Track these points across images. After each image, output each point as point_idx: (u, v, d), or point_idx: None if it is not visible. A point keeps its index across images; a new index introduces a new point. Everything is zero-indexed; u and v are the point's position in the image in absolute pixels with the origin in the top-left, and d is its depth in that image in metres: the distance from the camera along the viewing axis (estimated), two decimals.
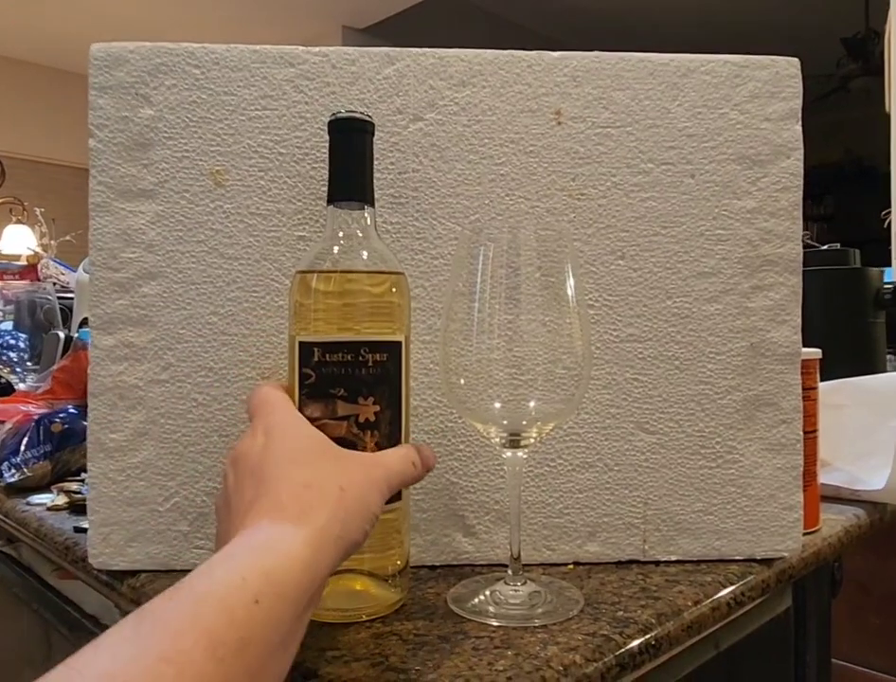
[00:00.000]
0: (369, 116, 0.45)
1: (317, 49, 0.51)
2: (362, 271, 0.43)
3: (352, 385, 0.41)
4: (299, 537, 0.32)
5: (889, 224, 2.29)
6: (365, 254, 0.44)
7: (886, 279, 1.03)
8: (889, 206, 2.31)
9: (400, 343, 0.43)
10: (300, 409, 0.41)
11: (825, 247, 1.33)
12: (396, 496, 0.42)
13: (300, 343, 0.42)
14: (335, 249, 0.44)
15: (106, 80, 0.50)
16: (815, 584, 0.66)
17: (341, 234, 0.44)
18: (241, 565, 0.30)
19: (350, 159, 0.44)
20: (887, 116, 2.33)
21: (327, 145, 0.45)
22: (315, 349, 0.41)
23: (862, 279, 1.00)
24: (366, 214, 0.44)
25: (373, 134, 0.45)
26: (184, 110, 0.51)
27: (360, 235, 0.44)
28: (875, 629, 0.98)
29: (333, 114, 0.44)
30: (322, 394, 0.41)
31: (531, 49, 0.52)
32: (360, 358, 0.41)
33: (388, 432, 0.42)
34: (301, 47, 0.51)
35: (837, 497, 0.70)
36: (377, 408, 0.41)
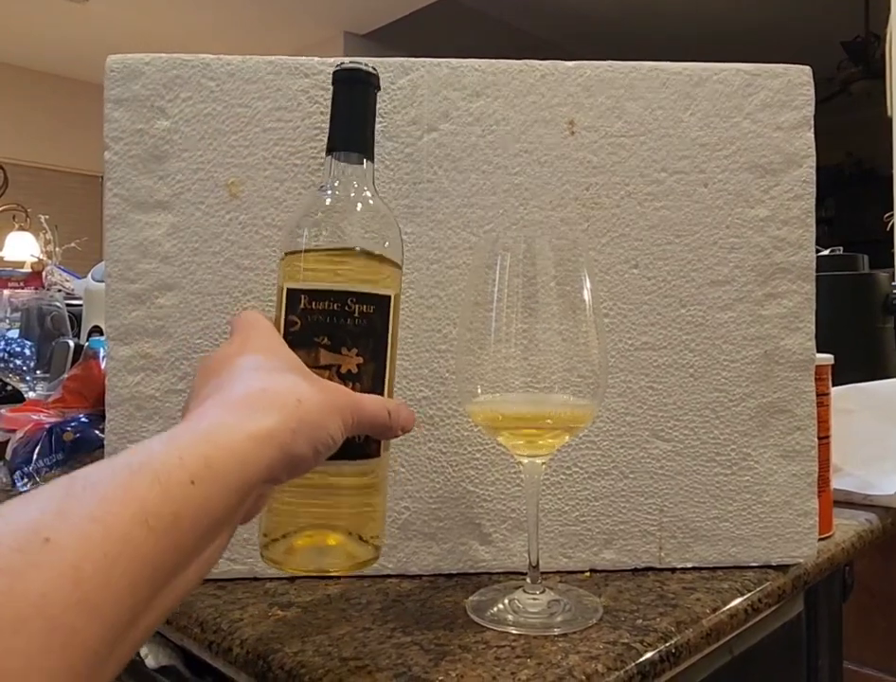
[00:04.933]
0: (374, 69, 0.44)
1: (332, 60, 0.51)
2: (350, 250, 0.42)
3: (337, 334, 0.40)
4: (244, 432, 0.30)
5: (892, 226, 2.29)
6: (359, 206, 0.43)
7: None
8: (892, 208, 2.31)
9: (389, 297, 0.42)
10: None
11: (827, 251, 1.33)
12: (371, 452, 0.41)
13: (288, 290, 0.41)
14: (327, 201, 0.43)
15: (122, 92, 0.51)
16: (826, 589, 0.66)
17: (337, 184, 0.43)
18: (180, 445, 0.29)
19: (353, 110, 0.44)
20: (889, 119, 2.34)
21: None
22: (302, 296, 0.40)
23: (871, 285, 1.00)
24: (364, 167, 0.44)
25: (378, 88, 0.45)
26: (199, 122, 0.51)
27: (356, 186, 0.43)
28: (882, 631, 0.98)
29: (339, 64, 0.44)
30: (306, 341, 0.40)
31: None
32: (346, 308, 0.40)
33: (371, 386, 0.41)
34: (316, 58, 0.51)
35: (849, 502, 0.70)
36: (360, 361, 0.40)
